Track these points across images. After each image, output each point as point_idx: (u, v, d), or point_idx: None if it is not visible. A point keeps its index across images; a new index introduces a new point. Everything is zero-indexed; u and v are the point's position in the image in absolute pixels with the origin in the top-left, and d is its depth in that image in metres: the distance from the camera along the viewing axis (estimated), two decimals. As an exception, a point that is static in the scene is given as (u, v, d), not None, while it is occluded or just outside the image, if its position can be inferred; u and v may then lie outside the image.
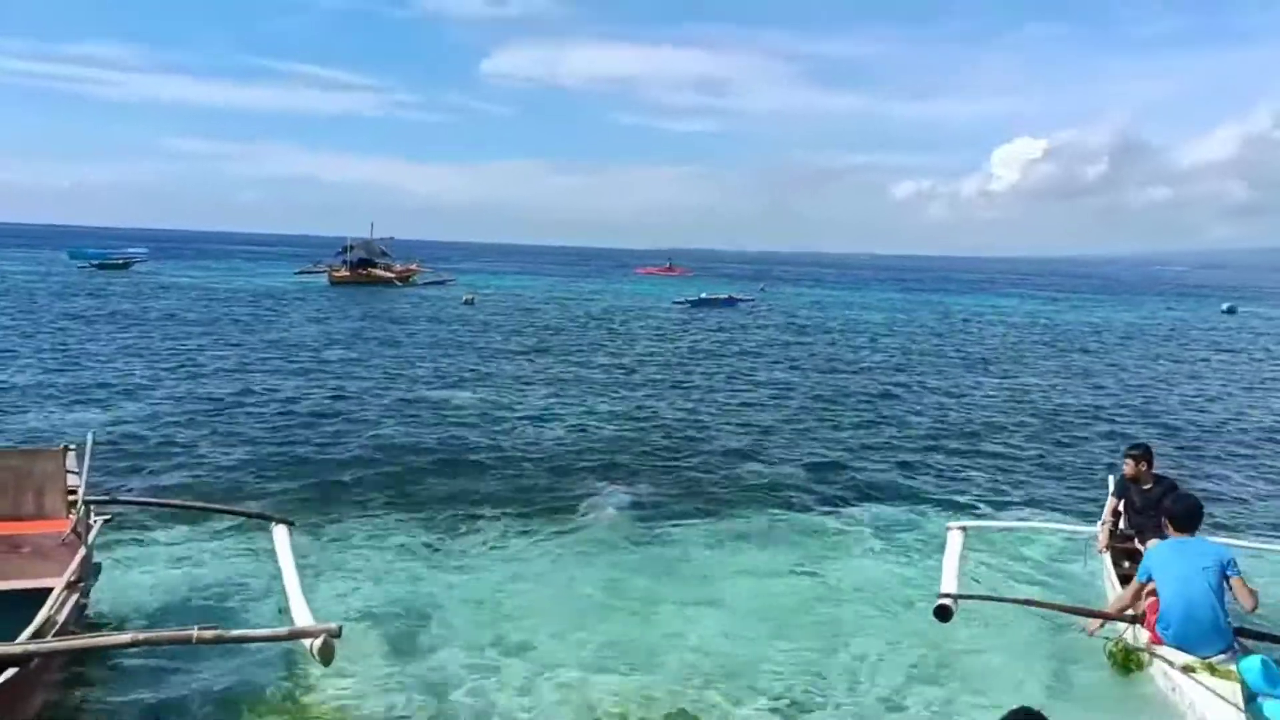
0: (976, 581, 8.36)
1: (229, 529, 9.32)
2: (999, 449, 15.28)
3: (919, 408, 19.05)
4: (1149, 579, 6.55)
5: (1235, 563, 6.43)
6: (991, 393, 21.60)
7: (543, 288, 66.99)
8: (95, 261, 66.28)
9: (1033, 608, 7.41)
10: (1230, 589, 6.31)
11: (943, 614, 6.92)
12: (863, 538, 10.22)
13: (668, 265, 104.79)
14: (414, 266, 63.30)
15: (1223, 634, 6.24)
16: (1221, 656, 6.13)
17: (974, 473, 13.61)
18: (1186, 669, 6.05)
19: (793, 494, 11.90)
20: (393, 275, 58.07)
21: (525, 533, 9.97)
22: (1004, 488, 12.83)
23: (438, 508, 10.70)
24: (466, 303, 45.79)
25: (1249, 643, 6.45)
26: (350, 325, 32.57)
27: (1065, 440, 16.17)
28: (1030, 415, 18.61)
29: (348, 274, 56.05)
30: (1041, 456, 14.84)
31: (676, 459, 13.73)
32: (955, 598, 7.06)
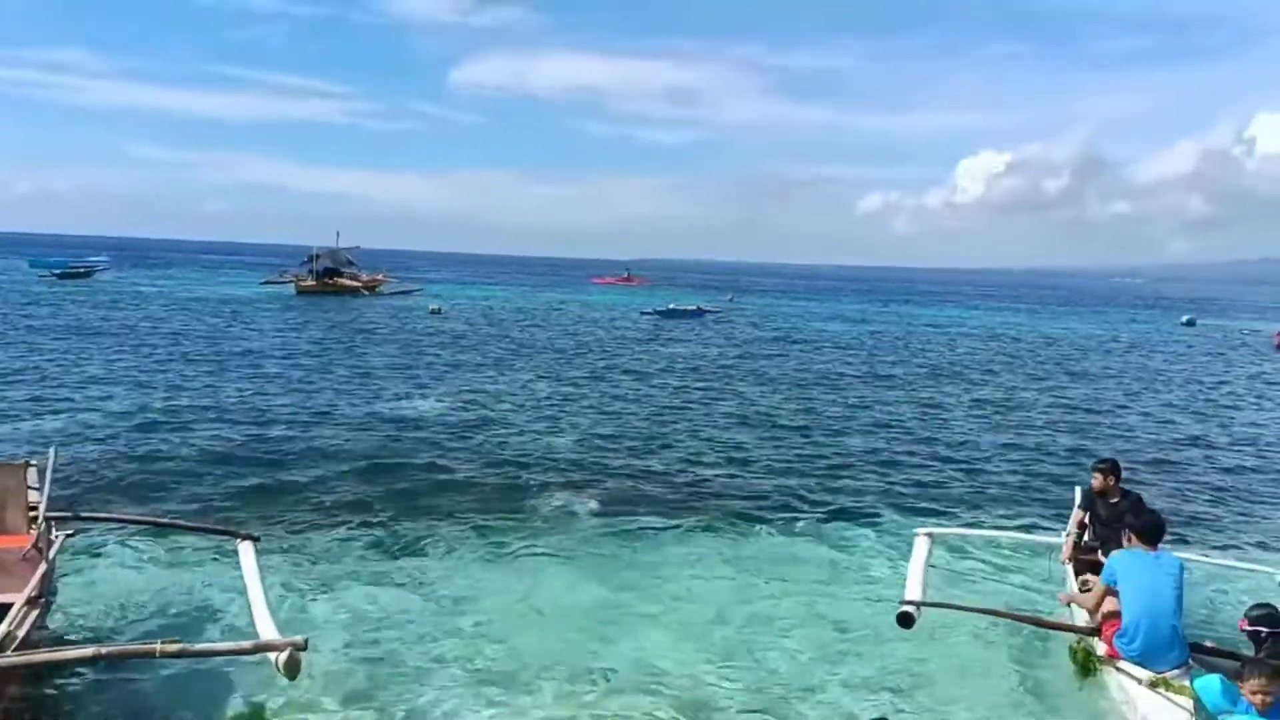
0: (941, 589, 8.29)
1: (193, 544, 9.24)
2: (966, 459, 15.49)
3: (885, 419, 19.24)
4: (1114, 584, 6.55)
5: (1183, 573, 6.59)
6: (958, 404, 21.85)
7: (511, 297, 66.90)
8: (57, 271, 65.31)
9: (995, 616, 7.57)
10: None
11: (905, 621, 6.90)
12: (828, 548, 10.34)
13: (625, 275, 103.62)
14: (380, 276, 62.97)
15: (1181, 649, 6.32)
16: (1176, 671, 6.20)
17: (941, 482, 13.80)
18: (1146, 683, 6.11)
19: (758, 505, 11.99)
20: (359, 284, 57.77)
21: (490, 545, 9.99)
22: (971, 497, 13.02)
23: (402, 520, 10.69)
24: (434, 312, 45.64)
25: (1201, 658, 6.51)
26: (316, 335, 32.35)
27: (1031, 451, 16.41)
28: (996, 427, 18.87)
29: (314, 283, 55.67)
30: (1008, 467, 15.07)
31: (642, 471, 13.78)
32: (918, 605, 7.06)
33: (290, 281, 58.02)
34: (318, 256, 57.97)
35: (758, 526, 11.06)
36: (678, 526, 10.95)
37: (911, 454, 15.64)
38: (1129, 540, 6.79)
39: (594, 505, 11.64)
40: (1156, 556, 6.59)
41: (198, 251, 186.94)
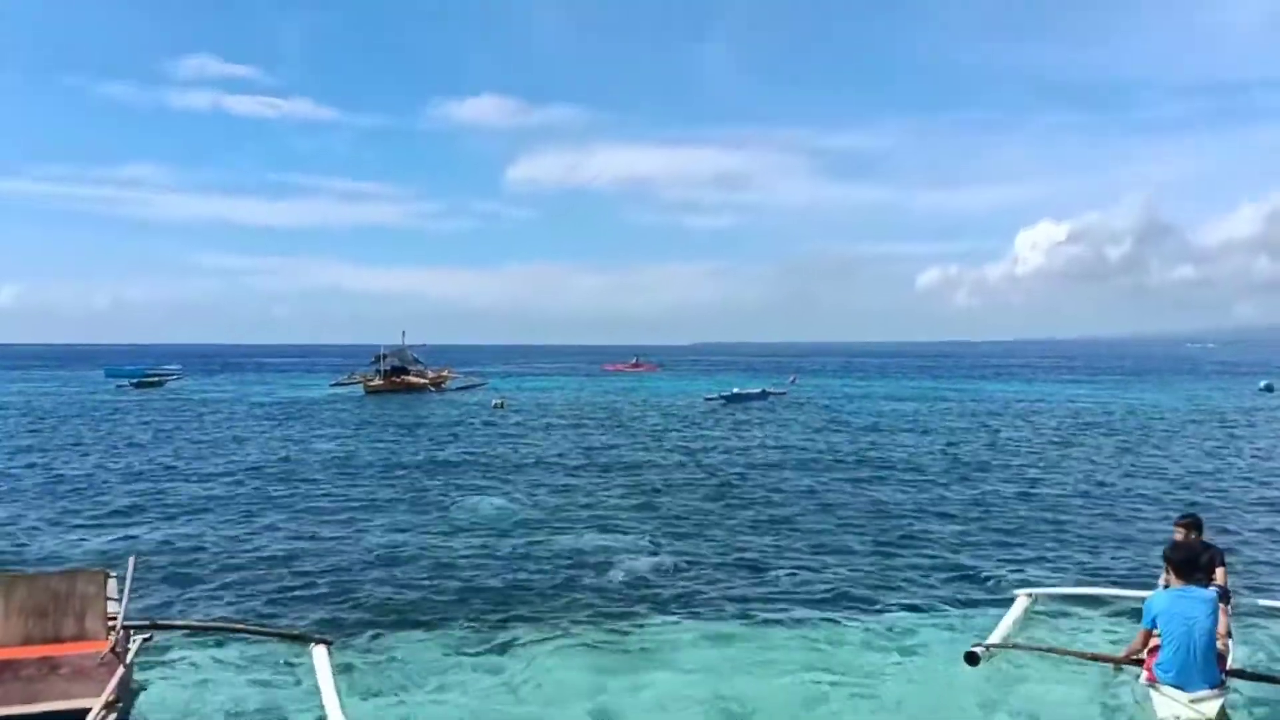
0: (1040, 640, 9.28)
1: (267, 650, 9.23)
2: (1054, 526, 15.88)
3: (966, 493, 18.90)
4: (1154, 625, 7.20)
5: (1218, 597, 7.37)
6: (1040, 475, 21.61)
7: (571, 388, 67.20)
8: (134, 380, 67.56)
9: (1057, 655, 8.43)
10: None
11: (971, 659, 8.03)
12: (921, 625, 10.17)
13: (634, 362, 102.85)
14: (445, 372, 63.99)
15: (1214, 674, 7.01)
16: (1211, 692, 6.85)
17: (1033, 547, 14.23)
18: (1183, 703, 6.80)
19: (853, 598, 11.62)
20: (426, 382, 58.68)
21: (570, 646, 9.76)
22: (1063, 560, 13.42)
23: (478, 621, 10.55)
24: (497, 407, 46.00)
25: (1235, 683, 7.35)
26: (385, 435, 32.74)
27: (1118, 515, 16.87)
28: (1080, 494, 19.03)
29: (382, 383, 56.64)
30: (1102, 533, 15.44)
31: (723, 567, 13.38)
32: (986, 646, 8.26)
33: (359, 382, 59.15)
34: (385, 356, 59.16)
35: (857, 620, 10.65)
36: (771, 623, 10.54)
37: (1000, 524, 15.60)
38: (1167, 574, 7.41)
39: (673, 604, 11.35)
40: (1189, 591, 7.19)
41: (266, 355, 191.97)
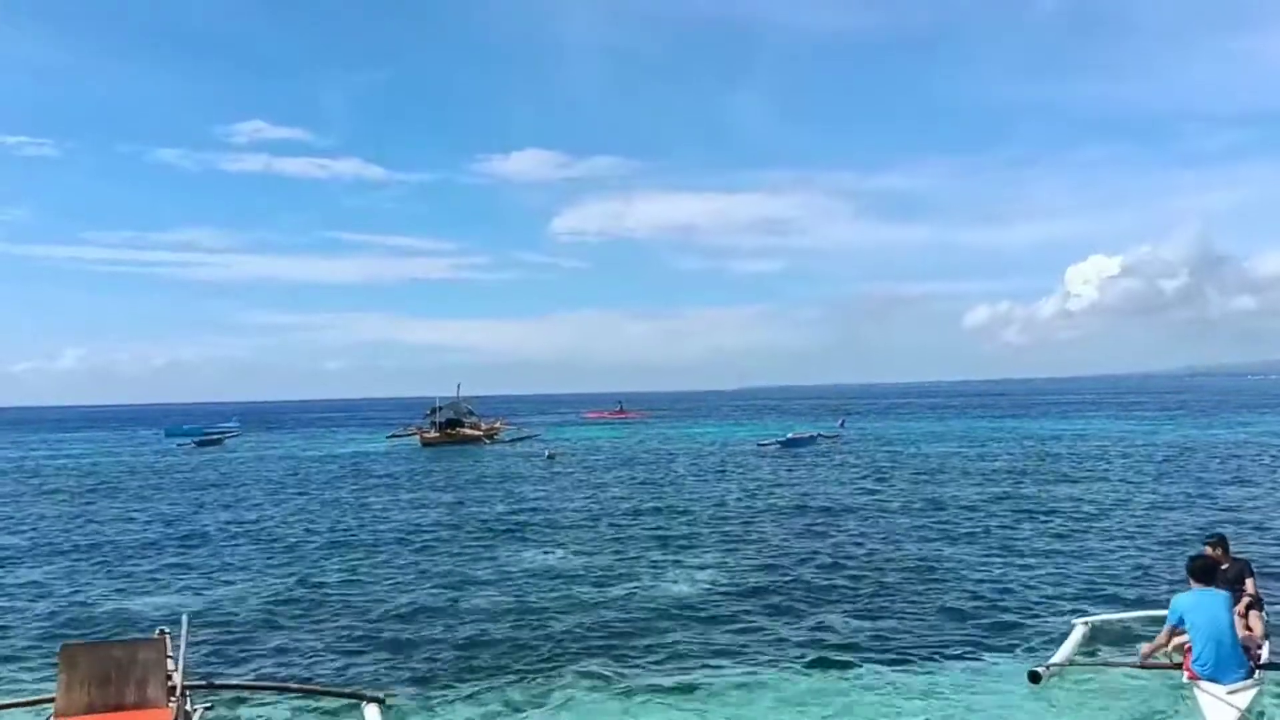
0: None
1: (324, 707, 9.44)
2: (1112, 558, 16.64)
3: (1025, 531, 18.98)
4: (1180, 622, 8.16)
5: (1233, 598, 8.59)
6: (1097, 511, 21.86)
7: (622, 436, 67.42)
8: (195, 439, 68.96)
9: (1111, 668, 9.66)
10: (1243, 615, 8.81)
11: (1033, 678, 9.22)
12: (985, 665, 10.42)
13: (618, 408, 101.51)
14: (498, 424, 64.71)
15: (1244, 663, 7.95)
16: (1246, 682, 7.77)
17: (1087, 580, 15.00)
18: (1222, 695, 7.60)
19: (921, 643, 11.74)
20: (480, 434, 59.37)
21: (629, 701, 9.83)
22: (1119, 589, 14.30)
23: (534, 676, 10.62)
24: (550, 457, 46.43)
25: (1265, 673, 8.35)
26: (441, 488, 33.23)
27: (1172, 544, 17.78)
28: (1138, 528, 19.64)
29: (437, 435, 57.43)
30: (1150, 559, 16.41)
31: (780, 617, 13.45)
32: (1046, 666, 9.47)
33: (414, 434, 60.01)
34: (439, 409, 60.04)
35: (920, 664, 10.80)
36: (836, 672, 10.68)
37: (1059, 568, 15.57)
38: (1190, 581, 8.47)
39: (734, 655, 11.46)
40: (1210, 592, 8.23)
41: (321, 410, 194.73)
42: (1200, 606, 8.09)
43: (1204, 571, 8.49)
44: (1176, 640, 8.43)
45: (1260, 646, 9.01)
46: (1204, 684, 7.83)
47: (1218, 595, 8.23)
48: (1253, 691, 7.69)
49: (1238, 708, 7.49)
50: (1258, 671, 8.15)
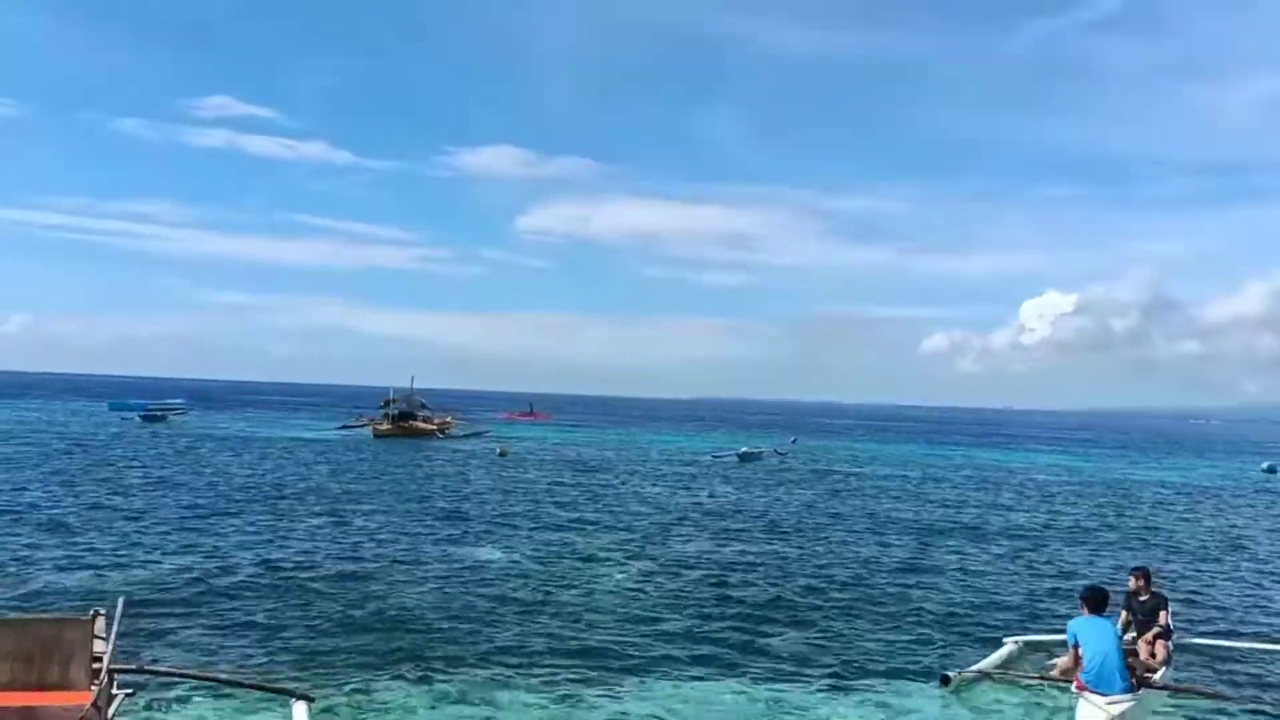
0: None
1: (253, 701, 9.35)
2: (1043, 585, 17.25)
3: (964, 552, 19.23)
4: (1076, 643, 9.23)
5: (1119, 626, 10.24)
6: (1033, 540, 22.00)
7: (575, 439, 67.47)
8: (140, 414, 67.88)
9: (1015, 678, 10.67)
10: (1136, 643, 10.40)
11: (944, 681, 10.52)
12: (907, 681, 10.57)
13: (529, 410, 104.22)
14: (450, 419, 64.38)
15: (1126, 679, 8.97)
16: (1125, 696, 8.81)
17: (1019, 605, 15.55)
18: (1102, 705, 8.68)
19: (874, 658, 11.94)
20: (433, 428, 59.10)
21: (566, 705, 9.90)
22: (1043, 611, 15.15)
23: (463, 675, 10.61)
24: (501, 454, 46.42)
25: (1150, 691, 9.59)
26: (391, 481, 33.04)
27: (1101, 573, 18.20)
28: (1067, 558, 19.73)
29: (390, 427, 57.07)
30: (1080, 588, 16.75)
31: (724, 620, 13.68)
32: (958, 671, 10.68)
33: (367, 425, 59.57)
34: (393, 400, 59.65)
35: (842, 677, 11.00)
36: (772, 677, 10.87)
37: (993, 590, 15.80)
38: (1083, 608, 9.52)
39: (675, 659, 11.60)
40: (1100, 619, 9.39)
41: (268, 393, 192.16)
42: (1091, 628, 9.27)
43: (1095, 601, 9.58)
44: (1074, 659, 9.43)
45: (1157, 672, 10.19)
46: (1088, 694, 8.92)
47: (1104, 621, 9.45)
48: (1128, 704, 8.75)
49: (1113, 716, 8.62)
50: (1143, 689, 9.29)
